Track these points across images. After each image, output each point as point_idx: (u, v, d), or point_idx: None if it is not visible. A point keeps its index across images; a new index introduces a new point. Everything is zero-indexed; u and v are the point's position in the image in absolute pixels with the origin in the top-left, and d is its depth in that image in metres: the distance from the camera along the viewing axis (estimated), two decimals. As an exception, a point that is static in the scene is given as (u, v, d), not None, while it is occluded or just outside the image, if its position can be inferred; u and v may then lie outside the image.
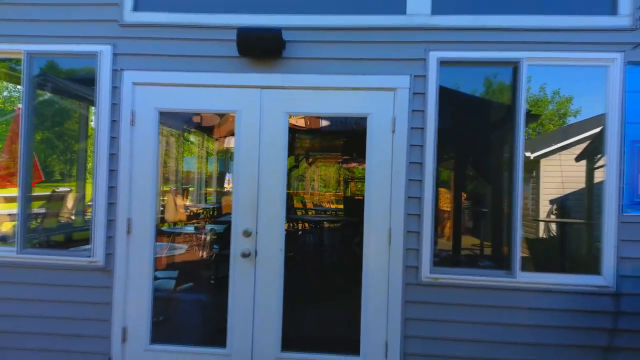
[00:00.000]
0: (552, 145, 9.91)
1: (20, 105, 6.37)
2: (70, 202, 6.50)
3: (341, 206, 10.64)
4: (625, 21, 3.14)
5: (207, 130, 7.31)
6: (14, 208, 3.68)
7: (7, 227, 5.39)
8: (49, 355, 3.34)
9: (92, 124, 5.81)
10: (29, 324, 3.36)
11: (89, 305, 3.35)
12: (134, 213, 3.35)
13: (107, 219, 3.34)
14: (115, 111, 3.34)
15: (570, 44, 3.16)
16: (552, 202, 10.11)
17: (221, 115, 6.02)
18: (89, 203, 3.91)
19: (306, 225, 8.27)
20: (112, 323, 3.33)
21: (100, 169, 3.34)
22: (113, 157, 3.35)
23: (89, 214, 4.32)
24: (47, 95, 4.19)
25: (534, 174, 10.44)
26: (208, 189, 10.00)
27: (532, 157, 10.09)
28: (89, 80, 3.42)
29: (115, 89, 3.34)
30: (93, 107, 3.45)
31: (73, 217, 6.25)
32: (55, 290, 3.35)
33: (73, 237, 5.46)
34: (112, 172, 3.35)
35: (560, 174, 9.89)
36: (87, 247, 3.39)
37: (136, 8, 3.38)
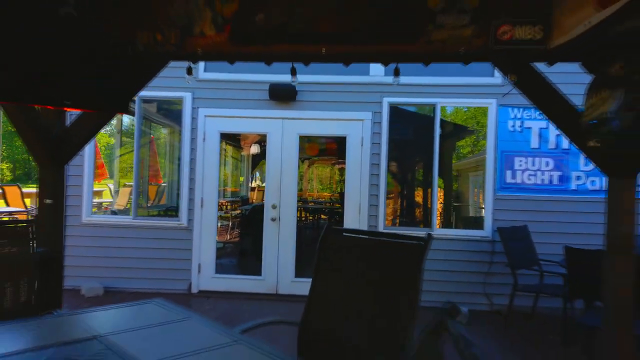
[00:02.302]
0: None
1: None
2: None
3: (336, 204, 12.82)
4: (498, 80, 5.31)
5: (234, 140, 9.47)
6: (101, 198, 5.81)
7: (119, 207, 7.56)
8: (153, 281, 5.48)
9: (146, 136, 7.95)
10: (140, 263, 5.50)
11: (177, 250, 5.49)
12: (205, 194, 5.50)
13: (188, 198, 5.50)
14: (194, 132, 5.50)
15: (466, 94, 5.33)
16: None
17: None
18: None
19: (308, 215, 10.47)
20: (192, 261, 5.48)
21: (184, 167, 5.50)
22: (192, 160, 5.51)
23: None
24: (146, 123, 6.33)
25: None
26: (227, 188, 12.15)
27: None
28: (172, 115, 5.55)
29: (193, 119, 5.50)
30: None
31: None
32: (156, 241, 5.50)
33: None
34: (192, 170, 5.51)
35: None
36: (172, 216, 5.54)
37: (206, 70, 5.53)
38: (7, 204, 7.88)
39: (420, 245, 1.85)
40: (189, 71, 3.09)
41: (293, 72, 3.01)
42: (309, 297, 2.04)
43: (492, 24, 2.69)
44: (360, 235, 2.05)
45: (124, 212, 8.34)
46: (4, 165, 42.01)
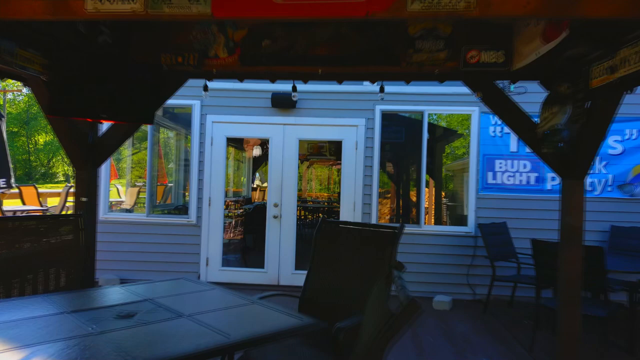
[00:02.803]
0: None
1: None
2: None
3: (334, 203, 13.34)
4: (481, 89, 5.80)
5: (237, 142, 9.97)
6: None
7: (127, 205, 8.04)
8: (165, 273, 5.96)
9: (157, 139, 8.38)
10: (153, 257, 5.99)
11: (186, 245, 5.99)
12: (212, 194, 6.00)
13: (197, 197, 5.99)
14: (202, 137, 5.99)
15: (452, 102, 5.83)
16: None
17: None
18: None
19: (307, 214, 10.98)
20: (200, 255, 5.97)
21: (193, 169, 5.99)
22: (201, 163, 6.00)
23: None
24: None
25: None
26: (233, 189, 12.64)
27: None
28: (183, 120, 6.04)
29: (202, 125, 5.99)
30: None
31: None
32: (168, 237, 5.99)
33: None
34: (200, 171, 6.00)
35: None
36: (182, 214, 6.03)
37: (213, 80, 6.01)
38: (23, 203, 8.37)
39: (394, 232, 2.35)
40: (205, 88, 3.59)
41: (294, 89, 3.51)
42: (309, 267, 2.56)
43: (462, 49, 3.17)
44: (349, 226, 2.55)
45: (130, 210, 8.83)
46: (5, 165, 42.55)
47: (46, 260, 2.48)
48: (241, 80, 3.53)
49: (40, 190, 11.60)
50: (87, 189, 3.46)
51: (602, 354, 4.07)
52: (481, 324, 4.88)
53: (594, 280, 3.88)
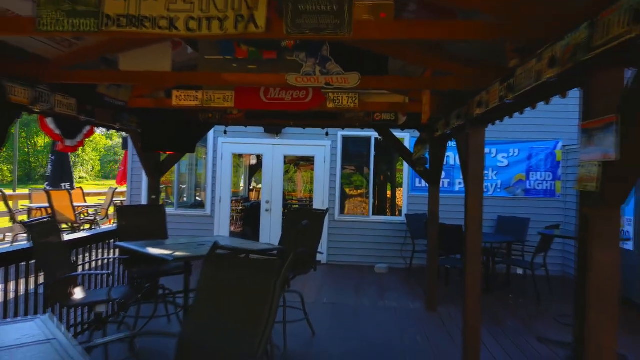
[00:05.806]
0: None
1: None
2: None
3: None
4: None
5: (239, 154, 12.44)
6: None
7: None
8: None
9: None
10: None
11: (203, 231, 8.41)
12: (222, 193, 8.44)
13: (211, 196, 8.43)
14: (214, 154, 8.44)
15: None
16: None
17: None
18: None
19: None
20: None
21: (208, 176, 8.44)
22: (214, 172, 8.44)
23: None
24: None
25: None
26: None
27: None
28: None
29: (214, 145, 8.44)
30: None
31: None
32: (190, 224, 8.42)
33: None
34: (213, 178, 8.44)
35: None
36: (200, 208, 8.49)
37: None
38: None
39: (324, 212, 4.80)
40: (225, 132, 6.02)
41: (278, 132, 5.96)
42: (281, 234, 5.01)
43: (372, 112, 5.64)
44: (303, 209, 5.01)
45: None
46: (5, 167, 44.27)
47: (151, 227, 4.91)
48: (246, 127, 5.98)
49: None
50: (155, 190, 5.89)
51: (468, 292, 6.55)
52: (403, 280, 7.37)
53: (459, 246, 6.37)
